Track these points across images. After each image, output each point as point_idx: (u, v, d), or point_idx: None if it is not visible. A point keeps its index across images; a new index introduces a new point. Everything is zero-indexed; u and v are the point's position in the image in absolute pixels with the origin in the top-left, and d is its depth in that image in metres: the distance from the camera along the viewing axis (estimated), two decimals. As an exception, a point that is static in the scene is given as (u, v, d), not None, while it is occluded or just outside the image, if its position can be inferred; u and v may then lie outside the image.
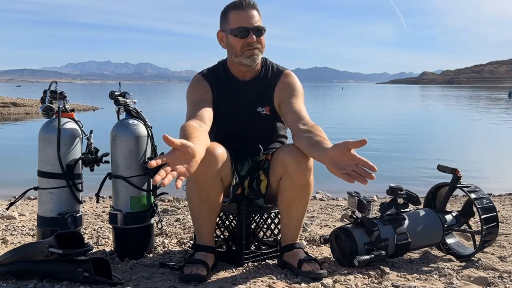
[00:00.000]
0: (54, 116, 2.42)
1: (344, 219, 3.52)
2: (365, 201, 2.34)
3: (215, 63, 2.45)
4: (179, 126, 2.02)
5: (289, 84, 2.34)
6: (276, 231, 2.50)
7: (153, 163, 1.61)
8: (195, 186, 2.17)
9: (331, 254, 2.46)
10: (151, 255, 2.52)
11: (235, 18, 2.23)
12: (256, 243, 2.43)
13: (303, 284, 2.05)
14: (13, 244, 2.82)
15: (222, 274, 2.20)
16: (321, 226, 3.43)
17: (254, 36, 2.22)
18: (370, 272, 2.21)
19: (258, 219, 2.52)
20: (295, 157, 2.12)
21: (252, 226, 2.44)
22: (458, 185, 2.51)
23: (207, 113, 2.20)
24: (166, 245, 2.71)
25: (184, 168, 1.68)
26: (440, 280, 2.16)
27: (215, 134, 2.31)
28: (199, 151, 1.79)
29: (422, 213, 2.51)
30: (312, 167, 2.16)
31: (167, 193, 2.67)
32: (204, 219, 2.25)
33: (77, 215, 2.43)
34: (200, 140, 1.89)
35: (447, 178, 2.57)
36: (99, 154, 2.49)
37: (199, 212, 2.24)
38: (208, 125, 2.17)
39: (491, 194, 5.44)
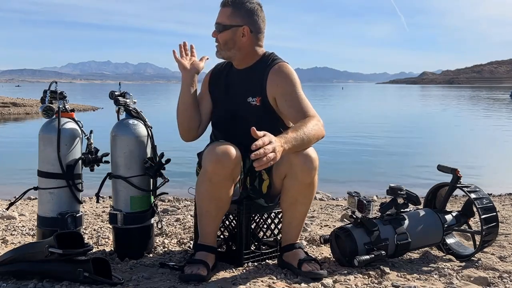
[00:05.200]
0: (54, 116, 2.42)
1: (344, 219, 3.52)
2: (365, 201, 2.34)
3: (215, 64, 2.54)
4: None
5: (281, 78, 2.29)
6: (276, 231, 2.50)
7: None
8: (207, 186, 2.16)
9: (331, 254, 2.47)
10: (151, 255, 2.52)
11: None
12: (256, 243, 2.43)
13: (303, 284, 2.05)
14: (13, 244, 2.82)
15: (222, 274, 2.20)
16: (321, 226, 3.43)
17: (215, 31, 2.35)
18: (370, 272, 2.21)
19: (258, 219, 2.52)
20: (300, 156, 2.12)
21: (252, 226, 2.45)
22: (458, 185, 2.51)
23: (202, 107, 2.45)
24: (166, 245, 2.71)
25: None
26: (440, 280, 2.16)
27: (213, 124, 2.47)
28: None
29: (422, 213, 2.51)
30: (317, 166, 2.16)
31: (167, 193, 2.68)
32: (211, 219, 2.24)
33: (77, 215, 2.43)
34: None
35: (447, 178, 2.57)
36: (99, 154, 2.49)
37: (208, 211, 2.23)
38: (204, 118, 2.44)
39: (491, 194, 5.43)
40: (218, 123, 2.45)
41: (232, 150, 2.12)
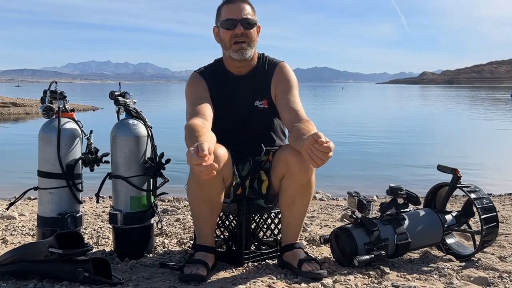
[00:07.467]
0: (54, 116, 2.42)
1: (344, 219, 3.52)
2: (365, 201, 2.34)
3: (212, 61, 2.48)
4: (179, 126, 2.00)
5: (284, 76, 2.36)
6: (276, 231, 2.50)
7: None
8: (196, 187, 2.17)
9: (331, 254, 2.46)
10: (151, 255, 2.52)
11: (225, 11, 2.29)
12: (256, 243, 2.43)
13: (303, 284, 2.05)
14: (13, 244, 2.82)
15: (222, 274, 2.20)
16: (321, 226, 3.43)
17: (242, 28, 2.26)
18: (370, 272, 2.21)
19: (258, 219, 2.52)
20: (297, 156, 2.12)
21: (252, 226, 2.45)
22: (458, 185, 2.51)
23: (208, 110, 2.24)
24: (166, 245, 2.72)
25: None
26: (440, 280, 2.16)
27: (214, 131, 2.23)
28: (212, 149, 1.81)
29: (422, 213, 2.51)
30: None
31: (167, 193, 2.68)
32: (205, 220, 2.25)
33: (77, 215, 2.43)
34: (209, 137, 1.96)
35: (447, 178, 2.57)
36: (99, 154, 2.49)
37: (200, 212, 2.24)
38: (210, 121, 2.20)
39: (491, 194, 5.44)
40: (226, 131, 2.31)
41: (218, 151, 2.10)
